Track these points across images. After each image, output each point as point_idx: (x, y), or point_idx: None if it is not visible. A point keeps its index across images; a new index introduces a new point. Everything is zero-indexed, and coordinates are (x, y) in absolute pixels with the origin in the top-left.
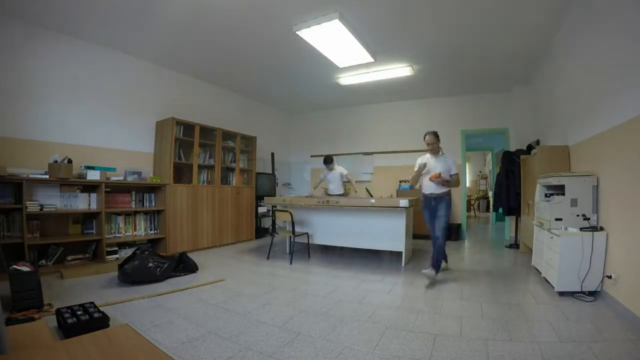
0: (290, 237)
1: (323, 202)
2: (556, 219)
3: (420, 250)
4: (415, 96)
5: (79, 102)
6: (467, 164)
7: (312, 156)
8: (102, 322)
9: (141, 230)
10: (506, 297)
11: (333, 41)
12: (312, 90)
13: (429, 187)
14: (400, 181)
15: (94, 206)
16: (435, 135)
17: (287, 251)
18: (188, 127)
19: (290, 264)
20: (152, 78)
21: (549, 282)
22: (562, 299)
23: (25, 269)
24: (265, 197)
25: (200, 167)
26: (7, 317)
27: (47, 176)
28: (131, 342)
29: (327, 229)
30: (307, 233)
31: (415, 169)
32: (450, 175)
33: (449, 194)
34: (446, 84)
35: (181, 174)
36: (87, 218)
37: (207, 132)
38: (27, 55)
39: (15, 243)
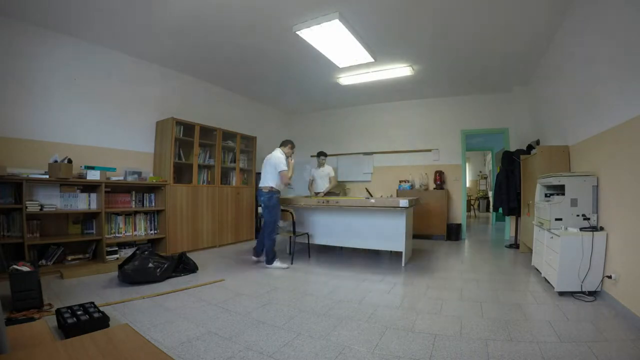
0: (291, 237)
1: (323, 202)
2: (556, 219)
3: (420, 250)
4: (416, 96)
5: (79, 102)
6: (467, 164)
7: (312, 156)
8: (102, 322)
9: (141, 230)
10: (506, 297)
11: (333, 41)
12: (312, 90)
13: None
14: (400, 181)
15: (94, 206)
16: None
17: (287, 251)
18: (188, 127)
19: (291, 263)
20: (152, 78)
21: (549, 282)
22: (562, 299)
23: (25, 269)
24: None
25: (200, 167)
26: (7, 317)
27: (47, 176)
28: (131, 342)
29: (327, 229)
30: (307, 233)
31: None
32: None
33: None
34: (446, 84)
35: (181, 174)
36: (87, 218)
37: (207, 132)
38: (27, 55)
39: (15, 243)
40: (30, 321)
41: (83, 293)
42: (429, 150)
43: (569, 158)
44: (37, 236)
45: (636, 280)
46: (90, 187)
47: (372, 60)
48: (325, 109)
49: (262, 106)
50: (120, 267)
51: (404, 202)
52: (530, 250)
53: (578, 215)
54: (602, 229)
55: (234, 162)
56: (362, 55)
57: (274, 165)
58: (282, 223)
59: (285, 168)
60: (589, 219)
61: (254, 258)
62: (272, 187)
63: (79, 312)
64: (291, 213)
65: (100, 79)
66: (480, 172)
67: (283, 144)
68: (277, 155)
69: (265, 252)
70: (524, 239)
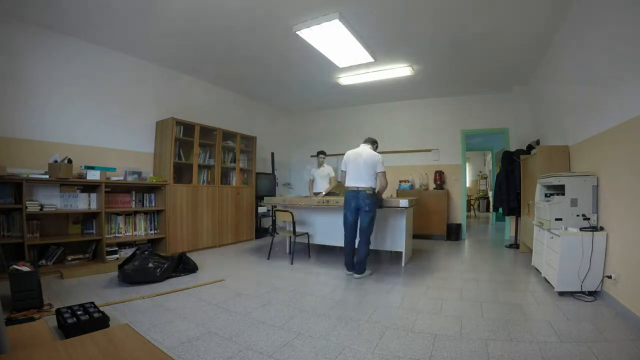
0: (291, 237)
1: (323, 202)
2: (556, 219)
3: (420, 250)
4: (415, 96)
5: (79, 102)
6: (467, 164)
7: (312, 156)
8: (102, 322)
9: (141, 230)
10: (506, 297)
11: (333, 41)
12: (312, 90)
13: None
14: (400, 181)
15: (94, 206)
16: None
17: (287, 251)
18: (188, 127)
19: (291, 264)
20: (152, 78)
21: (549, 282)
22: (562, 299)
23: (25, 269)
24: (265, 197)
25: (200, 167)
26: (7, 317)
27: (47, 176)
28: (131, 342)
29: (327, 229)
30: (307, 233)
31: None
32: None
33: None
34: (446, 84)
35: (181, 174)
36: (87, 218)
37: (207, 132)
38: (27, 55)
39: (15, 243)
40: (30, 321)
41: (83, 293)
42: (429, 150)
43: (569, 158)
44: (37, 236)
45: (636, 280)
46: (90, 187)
47: (372, 60)
48: (325, 109)
49: (262, 106)
50: (120, 267)
51: (404, 202)
52: (530, 250)
53: (578, 215)
54: (602, 229)
55: (234, 162)
56: (362, 55)
57: (372, 165)
58: (281, 223)
59: (384, 170)
60: (589, 219)
61: (348, 272)
62: (374, 189)
63: (79, 312)
64: (291, 213)
65: (100, 79)
66: (480, 172)
67: (372, 142)
68: (374, 153)
69: (360, 262)
70: (524, 239)
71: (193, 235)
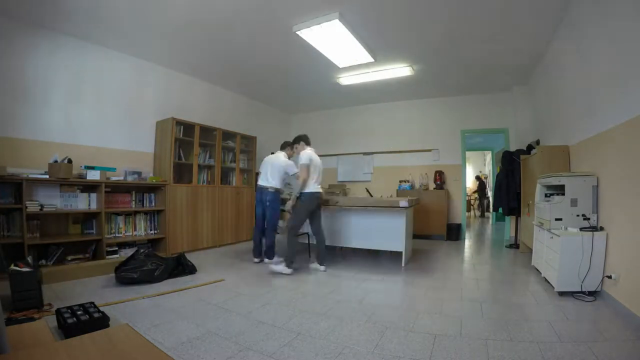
0: None
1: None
2: (556, 219)
3: (420, 250)
4: (415, 96)
5: (79, 102)
6: (467, 164)
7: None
8: (102, 322)
9: (141, 230)
10: (506, 297)
11: (333, 41)
12: (312, 90)
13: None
14: (400, 181)
15: (94, 206)
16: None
17: None
18: (188, 127)
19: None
20: (152, 78)
21: (549, 282)
22: (562, 299)
23: (26, 269)
24: None
25: (200, 167)
26: (7, 317)
27: (47, 176)
28: (131, 342)
29: (327, 229)
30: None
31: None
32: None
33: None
34: (446, 84)
35: (181, 174)
36: (87, 218)
37: (207, 132)
38: (27, 55)
39: (15, 243)
40: (30, 321)
41: (83, 293)
42: (429, 150)
43: (569, 158)
44: (37, 236)
45: (636, 280)
46: (90, 187)
47: (372, 60)
48: (325, 109)
49: (262, 106)
50: (117, 269)
51: (404, 202)
52: (530, 250)
53: (578, 215)
54: (602, 229)
55: (234, 162)
56: (362, 55)
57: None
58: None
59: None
60: (589, 219)
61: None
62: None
63: (79, 312)
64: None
65: (100, 79)
66: (480, 172)
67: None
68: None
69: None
70: (524, 239)
71: (193, 236)
